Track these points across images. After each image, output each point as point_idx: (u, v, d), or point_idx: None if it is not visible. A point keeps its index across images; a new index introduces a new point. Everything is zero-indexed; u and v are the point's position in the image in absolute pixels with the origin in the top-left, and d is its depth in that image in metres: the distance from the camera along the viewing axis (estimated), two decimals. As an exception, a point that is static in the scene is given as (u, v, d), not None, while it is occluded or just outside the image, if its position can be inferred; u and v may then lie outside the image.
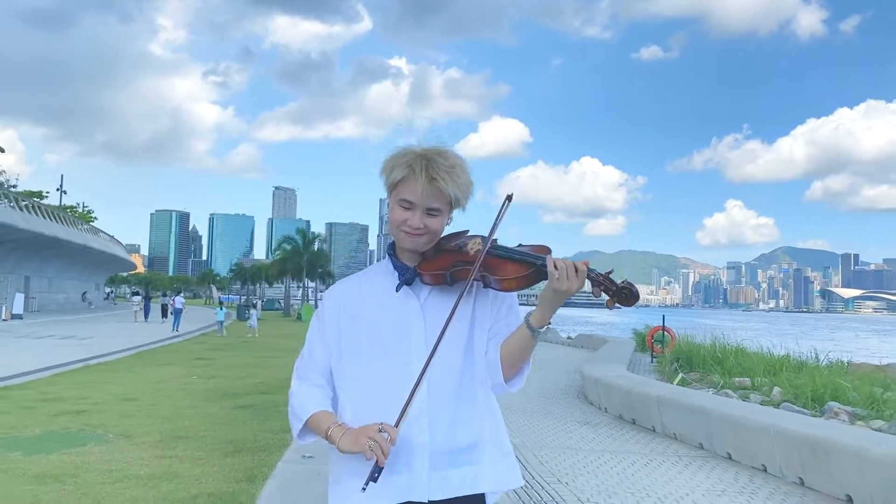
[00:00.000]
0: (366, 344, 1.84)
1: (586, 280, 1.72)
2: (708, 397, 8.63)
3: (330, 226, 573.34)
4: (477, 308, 1.87)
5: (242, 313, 39.89)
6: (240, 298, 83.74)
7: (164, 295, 42.22)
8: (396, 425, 1.66)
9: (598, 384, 10.12)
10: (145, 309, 34.96)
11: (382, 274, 1.92)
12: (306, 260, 53.38)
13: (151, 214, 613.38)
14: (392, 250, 1.94)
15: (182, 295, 32.71)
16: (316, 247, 56.40)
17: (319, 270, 56.25)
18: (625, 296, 1.72)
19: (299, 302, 57.90)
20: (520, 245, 1.87)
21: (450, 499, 1.76)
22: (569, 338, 27.67)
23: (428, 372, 1.71)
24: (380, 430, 1.64)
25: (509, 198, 1.90)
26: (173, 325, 27.54)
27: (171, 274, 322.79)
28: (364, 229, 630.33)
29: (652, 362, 16.51)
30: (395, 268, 1.89)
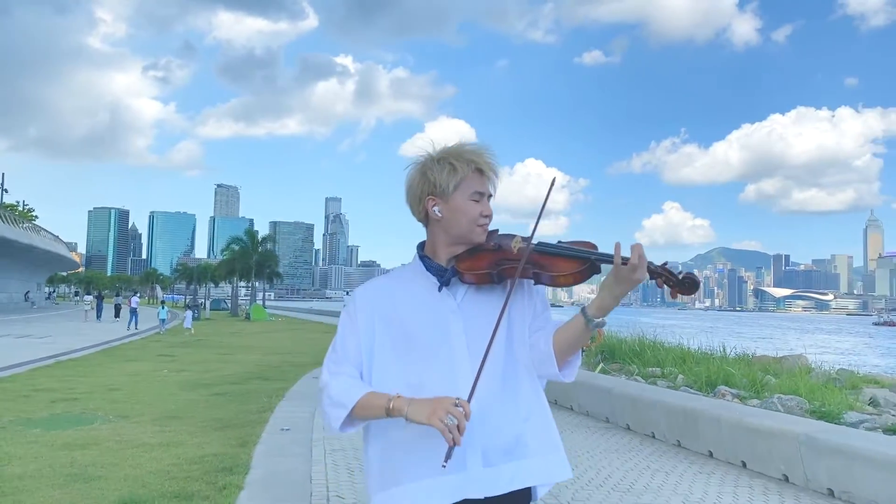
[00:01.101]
0: (403, 349, 1.82)
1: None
2: (612, 380, 10.25)
3: (274, 224, 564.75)
4: (513, 305, 1.87)
5: (194, 313, 40.49)
6: (184, 298, 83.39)
7: (118, 295, 42.84)
8: (469, 400, 1.64)
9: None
10: (98, 308, 35.58)
11: (414, 276, 1.91)
12: (255, 261, 54.19)
13: (89, 212, 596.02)
14: (422, 251, 1.95)
15: (137, 295, 33.36)
16: (264, 248, 57.12)
17: (267, 271, 57.04)
18: (686, 286, 1.75)
19: (247, 302, 58.53)
20: (559, 242, 1.88)
21: (501, 495, 1.77)
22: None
23: (468, 370, 1.73)
24: (455, 405, 1.61)
25: (553, 181, 1.91)
26: (129, 324, 28.53)
27: (109, 273, 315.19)
28: (309, 228, 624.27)
29: (581, 355, 18.17)
30: (428, 269, 1.89)
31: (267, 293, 75.66)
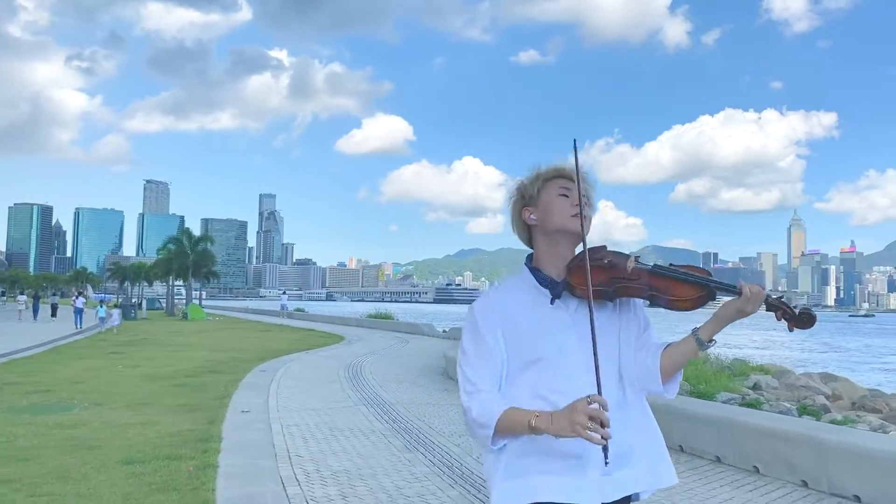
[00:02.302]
0: (524, 362, 1.88)
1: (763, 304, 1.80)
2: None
3: (206, 222, 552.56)
4: (622, 321, 1.96)
5: (128, 312, 40.74)
6: (117, 297, 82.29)
7: (54, 294, 42.88)
8: (600, 393, 1.67)
9: (454, 362, 13.18)
10: (34, 308, 35.71)
11: (524, 288, 1.95)
12: (192, 261, 54.43)
13: (10, 208, 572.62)
14: (529, 263, 2.00)
15: (82, 296, 33.69)
16: (202, 247, 57.30)
17: (204, 271, 57.31)
18: (804, 320, 1.79)
19: (183, 301, 58.58)
20: (671, 265, 1.91)
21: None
22: (444, 331, 30.62)
23: (587, 381, 1.75)
24: (589, 403, 1.63)
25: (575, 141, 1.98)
26: (77, 323, 29.47)
27: (33, 271, 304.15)
28: (243, 225, 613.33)
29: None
30: (540, 282, 1.93)
31: (199, 292, 75.47)
